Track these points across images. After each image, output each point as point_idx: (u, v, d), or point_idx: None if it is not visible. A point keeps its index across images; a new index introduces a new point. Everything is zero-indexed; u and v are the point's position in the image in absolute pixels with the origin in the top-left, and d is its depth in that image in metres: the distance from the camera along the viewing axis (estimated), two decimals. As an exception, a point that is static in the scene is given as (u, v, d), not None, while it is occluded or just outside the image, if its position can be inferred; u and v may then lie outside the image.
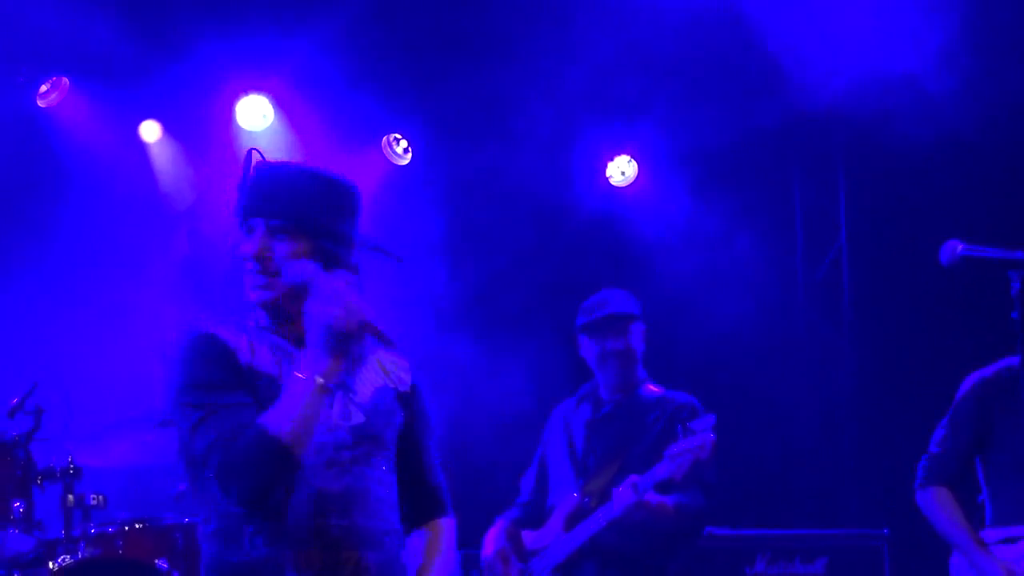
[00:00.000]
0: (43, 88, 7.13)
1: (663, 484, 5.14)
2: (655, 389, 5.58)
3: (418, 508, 3.47)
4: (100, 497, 5.61)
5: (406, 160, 7.73)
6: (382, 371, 3.44)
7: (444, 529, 3.51)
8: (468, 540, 6.18)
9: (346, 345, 3.14)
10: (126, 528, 5.55)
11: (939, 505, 4.95)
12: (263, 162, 3.40)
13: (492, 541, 5.53)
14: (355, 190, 3.46)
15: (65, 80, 7.16)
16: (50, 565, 5.21)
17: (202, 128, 7.61)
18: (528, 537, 5.46)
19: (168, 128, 7.56)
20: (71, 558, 5.23)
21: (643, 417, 5.48)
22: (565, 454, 5.55)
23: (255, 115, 7.53)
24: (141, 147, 7.54)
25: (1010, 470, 4.93)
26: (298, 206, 3.32)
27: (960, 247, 4.12)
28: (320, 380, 3.07)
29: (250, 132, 7.46)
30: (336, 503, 3.20)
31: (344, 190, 3.44)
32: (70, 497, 5.53)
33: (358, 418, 3.33)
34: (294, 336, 3.32)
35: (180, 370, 3.27)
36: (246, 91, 7.52)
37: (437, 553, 3.48)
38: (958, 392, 5.01)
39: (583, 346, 5.58)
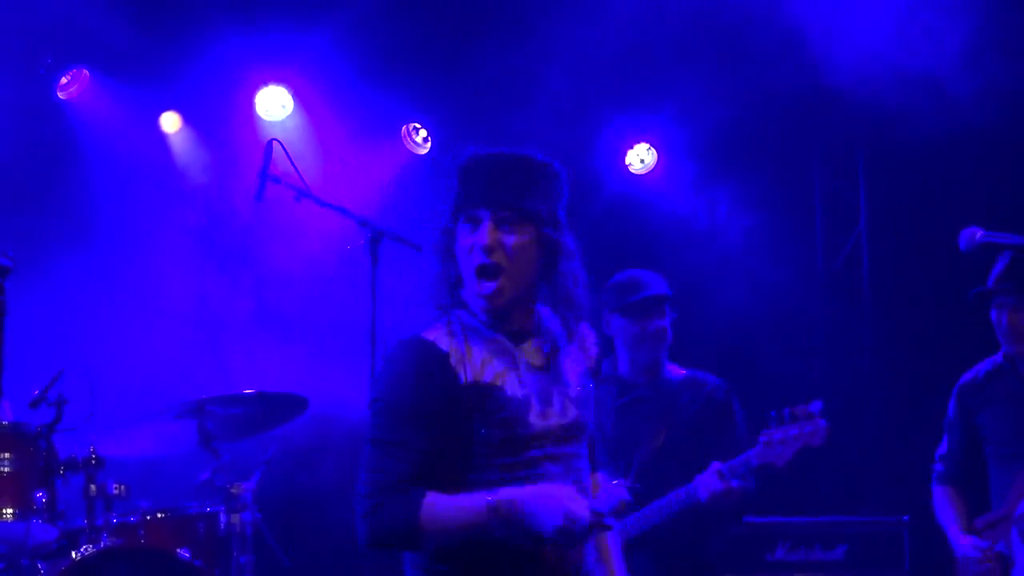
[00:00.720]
0: (63, 80, 7.14)
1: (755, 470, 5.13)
2: (679, 370, 5.55)
3: None
4: (122, 487, 5.62)
5: (426, 149, 7.72)
6: (582, 350, 3.47)
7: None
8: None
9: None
10: (148, 518, 5.56)
11: (939, 502, 5.28)
12: (477, 151, 3.34)
13: None
14: (564, 174, 3.39)
15: (85, 72, 7.17)
16: (73, 555, 5.22)
17: (223, 119, 7.60)
18: None
19: (188, 119, 7.55)
20: (94, 548, 5.24)
21: (675, 399, 5.42)
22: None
23: (275, 106, 7.53)
24: (161, 138, 7.53)
25: (995, 460, 5.08)
26: (523, 195, 3.25)
27: (979, 233, 4.13)
28: (496, 510, 3.06)
29: (270, 122, 7.44)
30: None
31: (558, 175, 3.37)
32: (92, 487, 5.53)
33: (572, 413, 3.34)
34: (511, 331, 3.31)
35: (388, 383, 3.25)
36: (266, 82, 7.50)
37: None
38: (951, 397, 5.22)
39: (614, 326, 5.46)
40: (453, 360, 3.20)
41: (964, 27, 6.48)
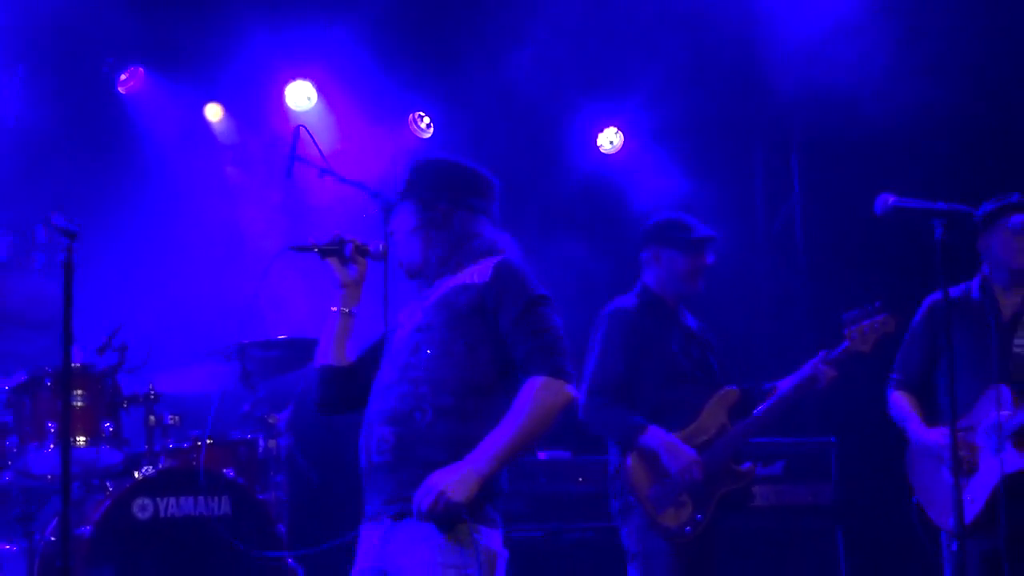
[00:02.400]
0: (123, 76, 7.10)
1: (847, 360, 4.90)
2: None
3: None
4: (176, 418, 5.63)
5: (429, 134, 7.68)
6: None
7: None
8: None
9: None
10: (198, 444, 5.55)
11: (900, 405, 5.01)
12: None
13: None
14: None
15: (141, 69, 7.13)
16: (135, 475, 5.23)
17: (257, 109, 7.55)
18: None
19: (229, 109, 7.51)
20: (153, 469, 5.25)
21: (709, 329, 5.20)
22: (669, 359, 4.93)
23: (301, 98, 7.48)
24: (206, 125, 7.49)
25: (959, 373, 4.91)
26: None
27: (891, 199, 4.11)
28: None
29: (297, 112, 7.40)
30: None
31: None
32: (151, 418, 5.55)
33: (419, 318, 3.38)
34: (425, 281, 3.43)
35: None
36: (294, 77, 7.47)
37: None
38: (915, 314, 5.03)
39: (666, 259, 4.96)
40: None
41: (885, 28, 6.48)
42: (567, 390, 3.16)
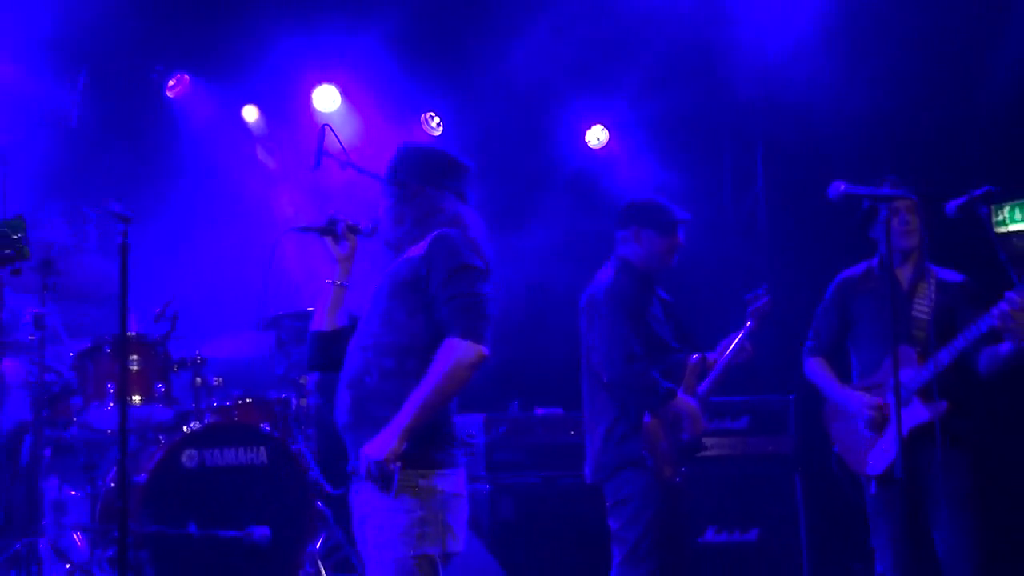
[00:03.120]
0: (171, 82, 7.09)
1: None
2: None
3: None
4: (220, 379, 5.66)
5: (438, 132, 7.65)
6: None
7: None
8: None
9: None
10: (239, 402, 5.59)
11: (815, 369, 5.04)
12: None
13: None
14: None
15: (187, 76, 7.12)
16: (184, 429, 5.25)
17: (289, 110, 7.53)
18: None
19: (264, 111, 7.50)
20: (199, 424, 5.26)
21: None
22: (656, 329, 4.87)
23: (327, 100, 7.46)
24: (244, 124, 7.49)
25: (865, 340, 4.96)
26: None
27: (843, 186, 4.11)
28: None
29: (323, 113, 7.38)
30: None
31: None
32: (198, 380, 5.56)
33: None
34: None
35: None
36: (320, 82, 7.44)
37: None
38: (828, 288, 5.06)
39: (645, 238, 4.85)
40: None
41: (836, 43, 6.48)
42: (479, 349, 3.07)
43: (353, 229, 3.44)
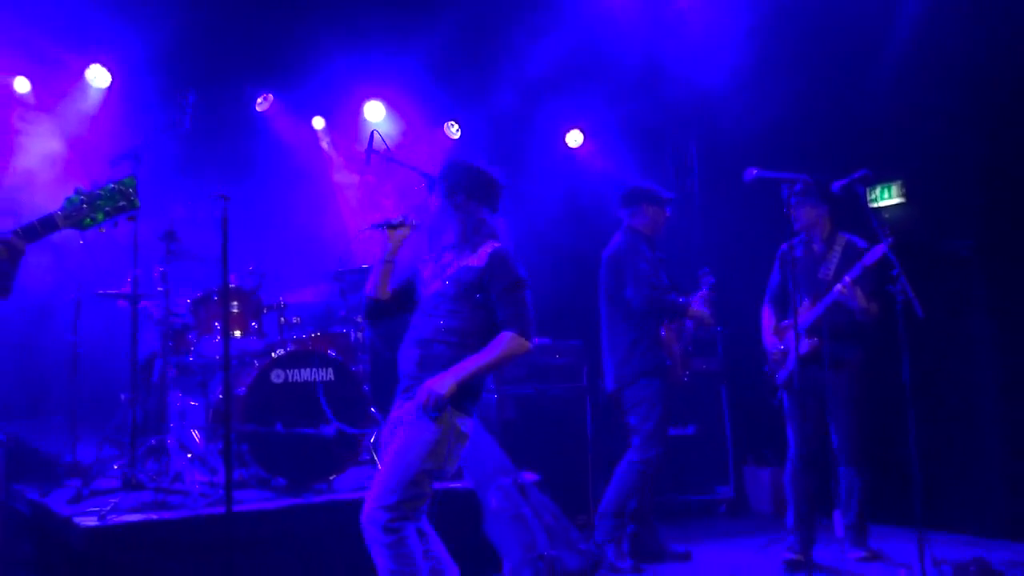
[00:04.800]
0: (259, 100, 7.02)
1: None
2: None
3: None
4: (297, 319, 5.66)
5: (457, 136, 7.60)
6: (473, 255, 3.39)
7: None
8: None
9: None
10: (312, 335, 5.59)
11: (763, 316, 5.12)
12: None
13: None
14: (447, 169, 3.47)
15: (271, 94, 7.05)
16: (272, 355, 5.24)
17: (346, 120, 7.45)
18: None
19: (328, 121, 7.42)
20: (283, 351, 5.27)
21: None
22: (660, 277, 4.89)
23: (375, 112, 7.39)
24: (313, 132, 7.42)
25: (787, 294, 4.97)
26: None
27: (755, 171, 4.08)
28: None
29: (372, 121, 7.32)
30: None
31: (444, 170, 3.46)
32: (282, 319, 5.58)
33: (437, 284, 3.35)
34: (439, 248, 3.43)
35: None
36: (370, 97, 7.38)
37: None
38: (775, 258, 5.11)
39: (650, 211, 4.96)
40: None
41: (754, 47, 6.41)
42: (528, 345, 3.23)
43: (408, 225, 3.45)
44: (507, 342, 3.19)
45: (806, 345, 4.74)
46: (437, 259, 3.38)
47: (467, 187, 3.35)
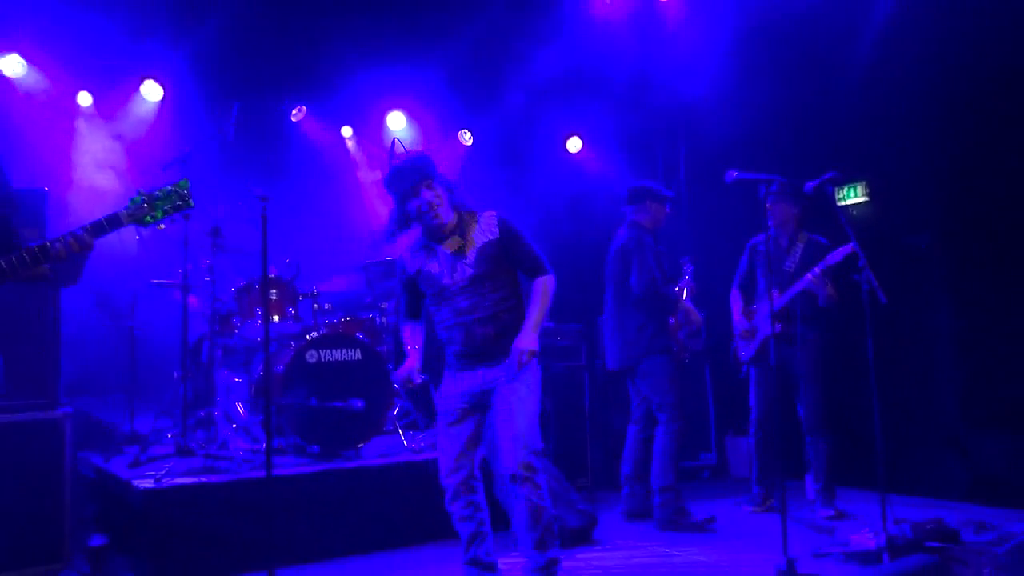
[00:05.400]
0: (294, 111, 7.04)
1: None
2: None
3: None
4: (329, 305, 5.68)
5: (470, 143, 7.60)
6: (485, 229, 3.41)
7: None
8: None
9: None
10: (343, 320, 5.62)
11: (732, 298, 5.17)
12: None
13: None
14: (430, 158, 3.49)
15: (304, 107, 7.07)
16: (307, 338, 5.27)
17: (371, 130, 7.45)
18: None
19: (356, 130, 7.43)
20: (317, 334, 5.30)
21: None
22: (664, 267, 4.89)
23: (397, 122, 7.39)
24: (341, 139, 7.43)
25: (756, 282, 5.04)
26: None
27: (735, 173, 4.09)
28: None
29: (393, 130, 7.32)
30: None
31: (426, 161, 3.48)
32: (315, 306, 5.59)
33: (467, 272, 3.34)
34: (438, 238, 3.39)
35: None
36: (392, 108, 7.37)
37: None
38: (744, 250, 5.14)
39: (653, 208, 4.93)
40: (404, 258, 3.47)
41: (735, 61, 6.39)
42: (553, 279, 3.39)
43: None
44: (546, 286, 3.34)
45: (776, 326, 4.81)
46: (436, 252, 3.40)
47: (436, 175, 3.41)
